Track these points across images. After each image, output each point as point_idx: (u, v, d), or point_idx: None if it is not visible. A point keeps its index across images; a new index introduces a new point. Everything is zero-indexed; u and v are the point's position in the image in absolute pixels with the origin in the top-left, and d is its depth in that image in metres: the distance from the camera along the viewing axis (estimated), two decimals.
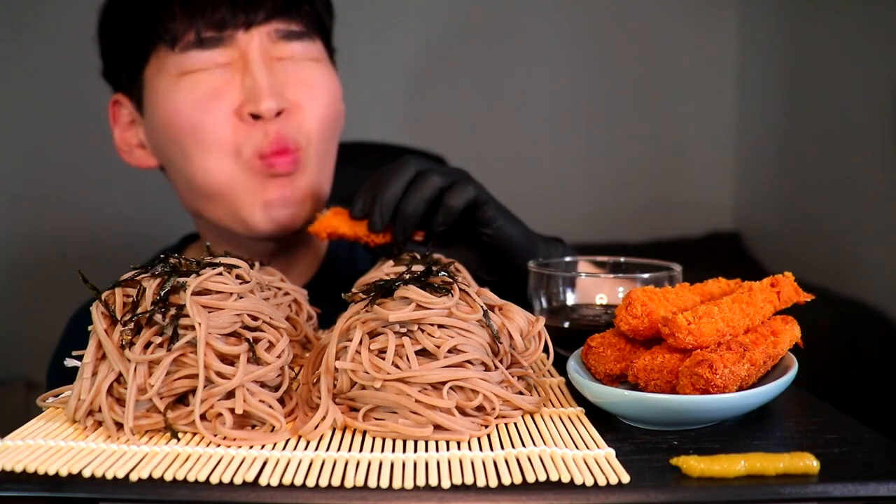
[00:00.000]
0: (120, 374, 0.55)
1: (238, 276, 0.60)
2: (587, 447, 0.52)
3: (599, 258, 0.84)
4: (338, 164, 0.99)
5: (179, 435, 0.53)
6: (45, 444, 0.52)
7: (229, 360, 0.55)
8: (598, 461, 0.50)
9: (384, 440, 0.54)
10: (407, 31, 2.50)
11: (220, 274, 0.58)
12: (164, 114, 0.89)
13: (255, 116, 0.86)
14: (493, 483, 0.47)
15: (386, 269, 0.70)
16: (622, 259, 0.82)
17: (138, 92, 0.92)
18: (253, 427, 0.55)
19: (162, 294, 0.56)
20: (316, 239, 1.00)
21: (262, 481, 0.47)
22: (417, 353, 0.56)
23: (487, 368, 0.58)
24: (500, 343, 0.59)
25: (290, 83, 0.89)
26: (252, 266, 0.67)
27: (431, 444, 0.53)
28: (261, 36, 0.88)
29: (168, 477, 0.47)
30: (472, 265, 0.82)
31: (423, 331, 0.56)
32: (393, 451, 0.52)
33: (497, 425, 0.56)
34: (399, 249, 0.78)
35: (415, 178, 0.78)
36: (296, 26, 0.90)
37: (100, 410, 0.54)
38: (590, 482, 0.47)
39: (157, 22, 0.88)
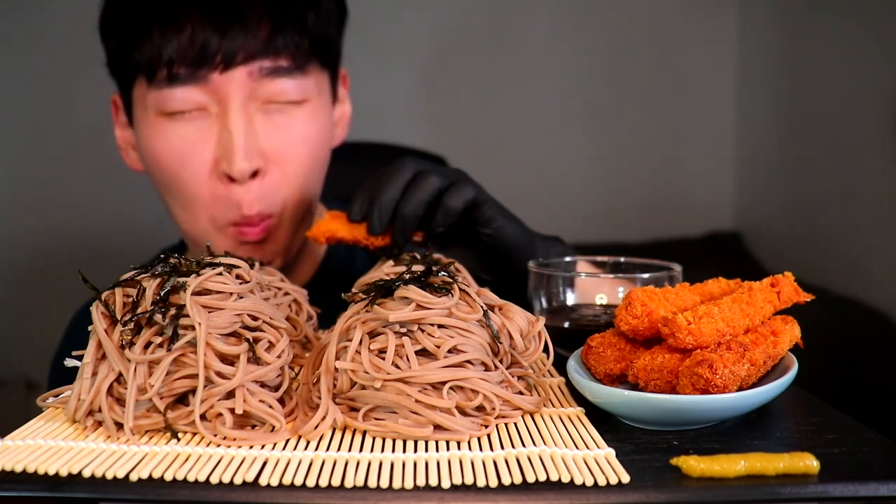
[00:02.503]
0: (120, 374, 0.55)
1: (238, 276, 0.60)
2: (587, 447, 0.52)
3: (599, 258, 0.84)
4: (338, 164, 0.99)
5: (179, 435, 0.53)
6: (45, 444, 0.52)
7: (229, 360, 0.55)
8: (598, 461, 0.50)
9: (384, 440, 0.54)
10: (409, 32, 2.50)
11: (220, 274, 0.58)
12: (146, 153, 0.89)
13: (229, 176, 0.85)
14: (493, 483, 0.47)
15: (386, 269, 0.70)
16: (622, 259, 0.82)
17: (128, 105, 0.91)
18: (253, 427, 0.55)
19: (162, 294, 0.56)
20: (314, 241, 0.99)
21: (262, 481, 0.47)
22: (417, 353, 0.56)
23: (487, 368, 0.58)
24: (500, 343, 0.59)
25: (270, 134, 0.86)
26: (252, 266, 0.67)
27: (431, 444, 0.53)
28: (241, 76, 0.84)
29: (168, 477, 0.47)
30: (471, 266, 0.82)
31: (423, 331, 0.56)
32: (393, 451, 0.52)
33: (497, 425, 0.56)
34: (399, 251, 0.77)
35: (413, 180, 0.77)
36: (284, 62, 0.85)
37: (100, 410, 0.54)
38: (590, 482, 0.47)
39: (135, 46, 0.84)
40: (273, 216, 0.89)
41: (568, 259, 0.84)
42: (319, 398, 0.57)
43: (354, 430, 0.55)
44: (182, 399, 0.55)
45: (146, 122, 0.87)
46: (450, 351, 0.56)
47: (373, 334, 0.57)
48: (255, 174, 0.86)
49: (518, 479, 0.47)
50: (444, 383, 0.55)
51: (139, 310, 0.56)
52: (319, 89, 0.91)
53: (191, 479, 0.47)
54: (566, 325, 0.75)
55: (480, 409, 0.56)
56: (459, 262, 0.79)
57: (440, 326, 0.57)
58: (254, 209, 0.87)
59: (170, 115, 0.85)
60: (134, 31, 0.84)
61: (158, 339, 0.55)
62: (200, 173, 0.86)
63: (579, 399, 0.61)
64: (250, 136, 0.85)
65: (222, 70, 0.83)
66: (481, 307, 0.59)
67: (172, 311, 0.56)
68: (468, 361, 0.56)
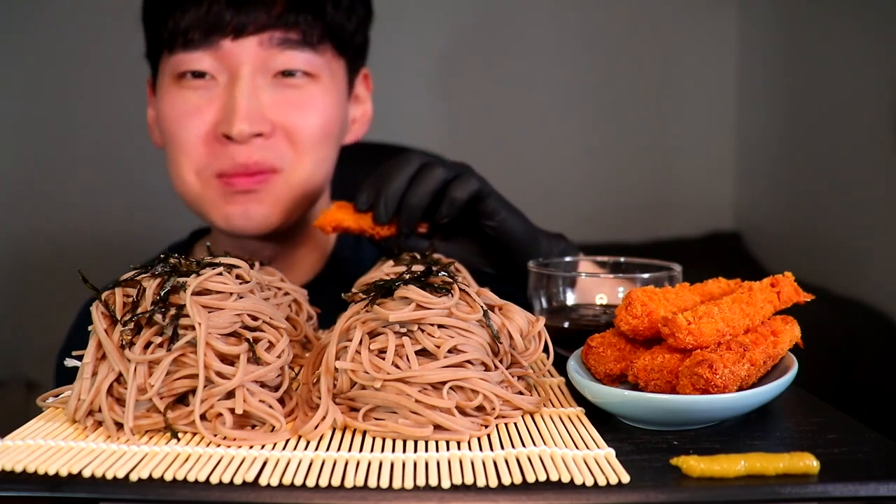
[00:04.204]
0: (120, 374, 0.55)
1: (238, 276, 0.60)
2: (587, 447, 0.52)
3: (599, 258, 0.84)
4: (342, 165, 1.00)
5: (179, 435, 0.53)
6: (45, 444, 0.52)
7: (229, 360, 0.55)
8: (598, 461, 0.50)
9: (384, 440, 0.54)
10: (409, 35, 2.50)
11: (220, 274, 0.58)
12: (159, 119, 0.93)
13: (228, 137, 0.87)
14: (493, 483, 0.47)
15: (386, 269, 0.70)
16: (622, 259, 0.82)
17: (154, 81, 0.96)
18: (253, 427, 0.55)
19: (162, 294, 0.56)
20: (321, 235, 1.01)
21: (262, 481, 0.47)
22: (417, 353, 0.56)
23: (487, 368, 0.58)
24: (500, 343, 0.59)
25: (277, 105, 0.89)
26: (252, 266, 0.67)
27: (431, 444, 0.53)
28: (252, 45, 0.87)
29: (168, 477, 0.47)
30: (475, 258, 0.84)
31: (423, 331, 0.56)
32: (393, 451, 0.52)
33: (497, 425, 0.56)
34: (406, 237, 0.79)
35: (419, 171, 0.79)
36: (294, 35, 0.88)
37: (100, 410, 0.54)
38: (590, 482, 0.47)
39: (161, 22, 0.89)
40: (279, 171, 0.90)
41: (568, 259, 0.84)
42: (319, 398, 0.57)
43: (354, 430, 0.55)
44: (182, 399, 0.55)
45: (162, 89, 0.92)
46: (450, 351, 0.56)
47: (373, 334, 0.57)
48: (258, 136, 0.88)
49: (518, 479, 0.47)
50: (444, 383, 0.55)
51: (139, 310, 0.56)
52: (332, 73, 0.93)
53: (191, 479, 0.47)
54: (566, 325, 0.75)
55: (480, 409, 0.56)
56: (463, 255, 0.81)
57: (440, 326, 0.57)
58: (252, 158, 0.88)
59: (181, 82, 0.89)
60: (162, 15, 0.89)
61: (158, 339, 0.55)
62: (197, 133, 0.89)
63: (579, 399, 0.61)
64: (254, 102, 0.88)
65: (234, 37, 0.87)
66: (481, 307, 0.59)
67: (172, 311, 0.55)
68: (468, 361, 0.56)
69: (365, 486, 0.47)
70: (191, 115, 0.89)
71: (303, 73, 0.90)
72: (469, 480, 0.47)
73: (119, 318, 0.56)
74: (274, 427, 0.54)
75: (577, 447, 0.52)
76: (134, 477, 0.47)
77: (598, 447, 0.52)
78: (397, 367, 0.55)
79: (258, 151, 0.88)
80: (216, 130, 0.88)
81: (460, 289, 0.59)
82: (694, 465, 0.48)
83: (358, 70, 0.99)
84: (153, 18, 0.92)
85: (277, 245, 0.98)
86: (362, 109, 1.03)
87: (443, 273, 0.60)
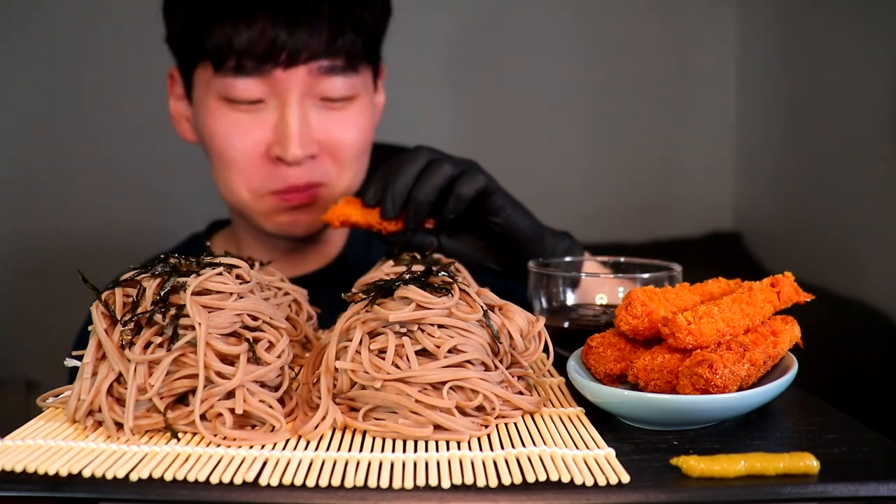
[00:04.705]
0: (120, 374, 0.55)
1: (238, 276, 0.60)
2: (587, 447, 0.52)
3: (599, 258, 0.84)
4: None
5: (179, 435, 0.53)
6: (45, 444, 0.52)
7: (229, 360, 0.56)
8: (598, 461, 0.50)
9: (384, 440, 0.54)
10: (409, 34, 2.50)
11: (220, 274, 0.58)
12: (202, 130, 0.95)
13: (280, 159, 0.91)
14: (493, 483, 0.47)
15: (386, 269, 0.70)
16: (622, 259, 0.82)
17: (189, 84, 0.96)
18: (253, 427, 0.55)
19: (162, 294, 0.56)
20: (334, 232, 1.03)
21: (262, 481, 0.47)
22: (417, 353, 0.56)
23: (487, 368, 0.58)
24: (500, 343, 0.59)
25: (323, 125, 0.92)
26: (252, 266, 0.67)
27: (431, 444, 0.53)
28: (302, 73, 0.89)
29: (168, 477, 0.47)
30: (480, 254, 0.85)
31: (423, 331, 0.56)
32: (393, 451, 0.52)
33: (497, 425, 0.56)
34: (413, 232, 0.80)
35: (427, 167, 0.79)
36: (340, 61, 0.91)
37: (100, 410, 0.54)
38: (590, 482, 0.47)
39: (205, 33, 0.89)
40: (324, 185, 0.94)
41: (568, 259, 0.84)
42: (319, 398, 0.57)
43: (354, 430, 0.55)
44: (182, 399, 0.55)
45: (206, 103, 0.93)
46: (450, 351, 0.56)
47: (373, 334, 0.57)
48: (308, 157, 0.92)
49: (518, 479, 0.47)
50: (444, 383, 0.55)
51: (139, 310, 0.56)
52: (366, 85, 0.97)
53: (191, 479, 0.47)
54: (566, 325, 0.75)
55: (480, 409, 0.56)
56: (469, 251, 0.83)
57: (440, 326, 0.57)
58: (302, 180, 0.92)
59: (230, 103, 0.91)
60: (205, 19, 0.89)
61: (158, 339, 0.55)
62: (251, 154, 0.92)
63: (579, 399, 0.61)
64: (304, 127, 0.91)
65: (285, 66, 0.89)
66: (481, 307, 0.59)
67: (172, 311, 0.56)
68: (468, 361, 0.56)
69: (365, 486, 0.47)
70: (241, 135, 0.91)
71: (345, 96, 0.93)
72: (469, 480, 0.47)
73: (119, 318, 0.56)
74: (274, 427, 0.54)
75: (577, 447, 0.52)
76: (134, 477, 0.47)
77: (598, 447, 0.52)
78: (397, 367, 0.55)
79: (308, 173, 0.92)
80: (269, 153, 0.91)
81: (460, 289, 0.59)
82: (694, 465, 0.48)
83: (378, 68, 1.02)
84: (193, 22, 0.91)
85: (296, 240, 1.01)
86: (377, 99, 1.05)
87: (443, 273, 0.60)
